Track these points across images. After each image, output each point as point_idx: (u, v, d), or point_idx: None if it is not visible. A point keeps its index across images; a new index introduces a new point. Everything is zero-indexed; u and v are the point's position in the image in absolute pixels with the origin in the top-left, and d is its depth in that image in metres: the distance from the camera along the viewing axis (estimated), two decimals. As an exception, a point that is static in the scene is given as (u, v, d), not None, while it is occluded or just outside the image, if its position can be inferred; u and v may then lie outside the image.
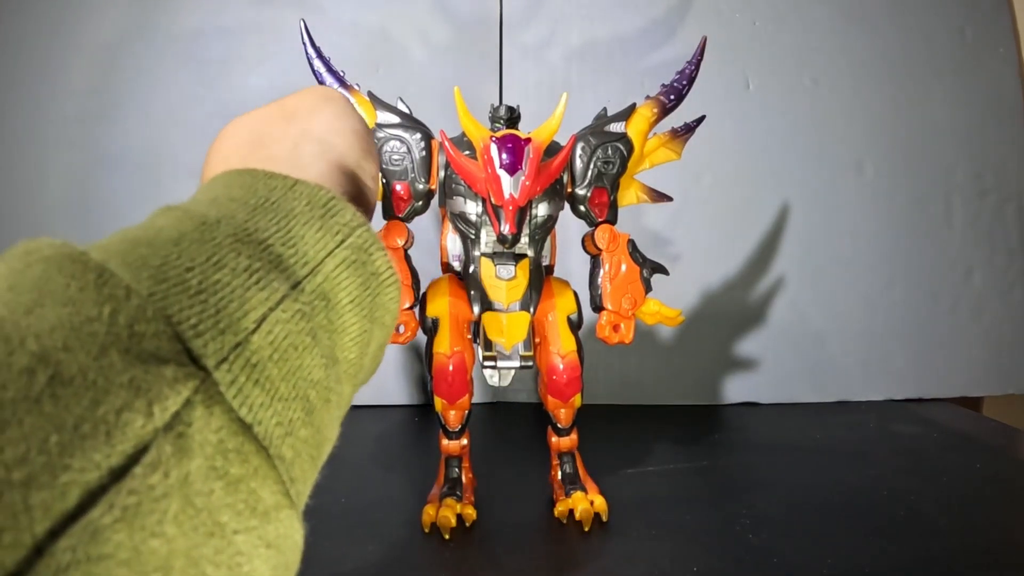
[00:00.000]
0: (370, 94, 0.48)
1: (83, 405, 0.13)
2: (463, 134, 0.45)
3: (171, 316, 0.16)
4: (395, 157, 0.47)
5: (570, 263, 0.59)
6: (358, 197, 0.26)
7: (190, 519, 0.14)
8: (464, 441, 0.49)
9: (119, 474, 0.13)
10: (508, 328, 0.45)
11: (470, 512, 0.47)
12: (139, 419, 0.14)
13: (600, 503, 0.47)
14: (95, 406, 0.13)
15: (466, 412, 0.48)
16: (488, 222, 0.45)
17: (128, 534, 0.13)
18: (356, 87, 0.48)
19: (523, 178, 0.40)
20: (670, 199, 0.52)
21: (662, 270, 0.50)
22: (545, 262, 0.50)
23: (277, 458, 0.17)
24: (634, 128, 0.49)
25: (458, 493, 0.48)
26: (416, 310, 0.47)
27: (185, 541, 0.14)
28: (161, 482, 0.14)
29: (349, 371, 0.21)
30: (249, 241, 0.19)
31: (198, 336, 0.16)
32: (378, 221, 0.48)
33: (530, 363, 0.45)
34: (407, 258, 0.47)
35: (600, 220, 0.49)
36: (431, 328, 0.46)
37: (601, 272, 0.49)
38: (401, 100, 0.48)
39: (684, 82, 0.50)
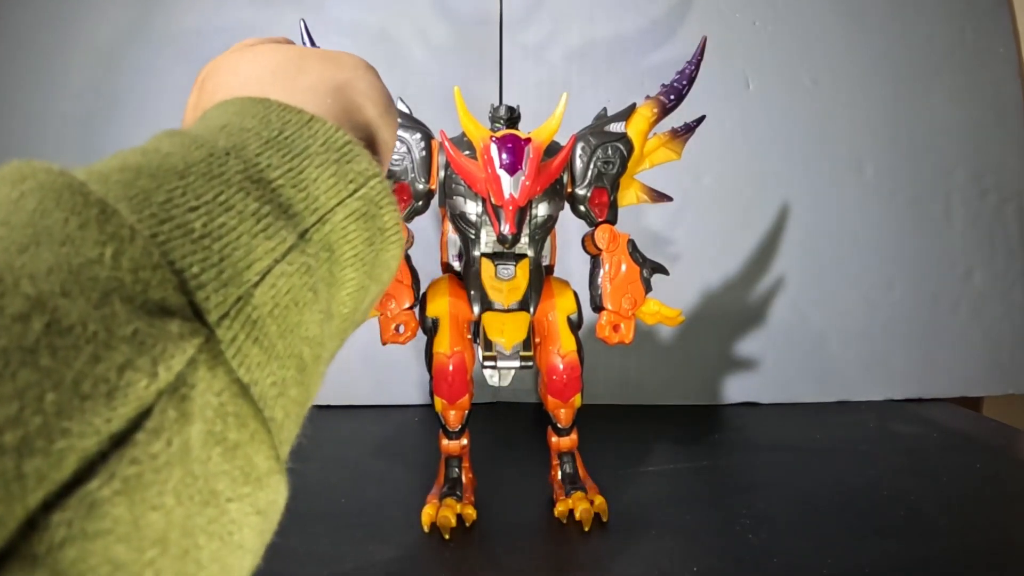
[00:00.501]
0: (370, 94, 0.48)
1: (82, 360, 0.12)
2: (463, 134, 0.45)
3: (175, 263, 0.14)
4: (395, 157, 0.47)
5: (570, 263, 0.59)
6: (374, 148, 0.25)
7: (187, 488, 0.13)
8: (464, 441, 0.49)
9: (119, 440, 0.12)
10: (508, 328, 0.45)
11: (470, 512, 0.47)
12: (143, 379, 0.12)
13: (600, 503, 0.47)
14: (95, 361, 0.12)
15: (466, 412, 0.48)
16: (488, 222, 0.45)
17: (128, 507, 0.12)
18: (356, 87, 0.48)
19: (523, 178, 0.40)
20: (670, 199, 0.52)
21: (662, 270, 0.50)
22: (545, 262, 0.50)
23: (270, 420, 0.16)
24: (634, 128, 0.49)
25: (458, 493, 0.48)
26: (416, 310, 0.47)
27: (182, 511, 0.13)
28: (164, 451, 0.12)
29: (342, 326, 0.20)
30: (259, 179, 0.17)
31: (201, 287, 0.14)
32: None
33: (530, 363, 0.45)
34: (407, 258, 0.47)
35: (600, 220, 0.49)
36: (431, 328, 0.46)
37: (601, 272, 0.49)
38: (401, 100, 0.48)
39: (684, 82, 0.50)
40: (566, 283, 0.50)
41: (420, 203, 0.48)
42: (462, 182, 0.44)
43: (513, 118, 0.47)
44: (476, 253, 0.47)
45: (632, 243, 0.49)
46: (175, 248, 0.14)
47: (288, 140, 0.19)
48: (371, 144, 0.24)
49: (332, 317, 0.19)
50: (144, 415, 0.12)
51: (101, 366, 0.12)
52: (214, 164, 0.17)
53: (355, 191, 0.19)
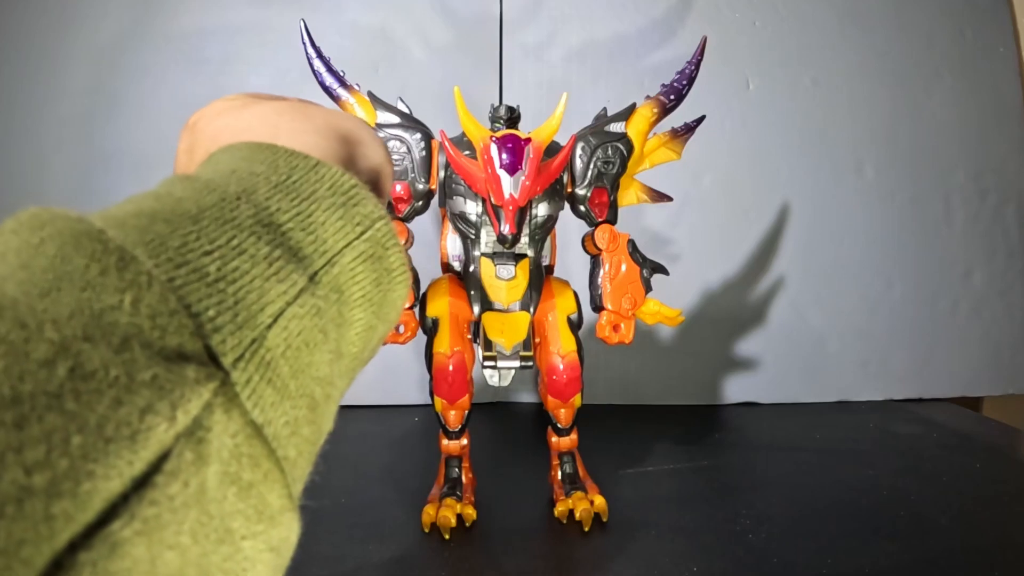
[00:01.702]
0: (370, 94, 0.48)
1: (105, 404, 0.12)
2: (463, 134, 0.45)
3: (191, 307, 0.15)
4: (395, 157, 0.47)
5: (570, 263, 0.59)
6: (376, 192, 0.25)
7: (203, 527, 0.13)
8: (464, 441, 0.49)
9: (141, 483, 0.12)
10: (508, 328, 0.45)
11: (470, 512, 0.47)
12: (163, 423, 0.13)
13: (600, 503, 0.47)
14: (117, 406, 0.12)
15: (466, 412, 0.48)
16: (488, 222, 0.45)
17: (147, 548, 0.12)
18: (356, 87, 0.48)
19: (523, 178, 0.40)
20: (670, 199, 0.52)
21: (662, 270, 0.50)
22: (545, 262, 0.50)
23: (283, 459, 0.16)
24: (634, 128, 0.49)
25: (458, 493, 0.48)
26: (416, 310, 0.47)
27: (198, 550, 0.13)
28: (181, 492, 0.13)
29: (351, 365, 0.20)
30: (269, 223, 0.18)
31: (217, 331, 0.15)
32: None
33: (530, 363, 0.45)
34: (407, 258, 0.47)
35: (600, 220, 0.49)
36: (431, 328, 0.46)
37: (601, 272, 0.49)
38: (401, 100, 0.48)
39: (684, 82, 0.50)
40: (566, 283, 0.50)
41: (420, 203, 0.48)
42: (462, 182, 0.44)
43: (513, 118, 0.47)
44: (476, 253, 0.47)
45: (632, 243, 0.49)
46: (191, 292, 0.15)
47: (296, 184, 0.19)
48: (375, 188, 0.25)
49: (342, 356, 0.19)
50: (163, 458, 0.13)
51: (123, 410, 0.12)
52: (226, 209, 0.17)
53: (362, 233, 0.20)
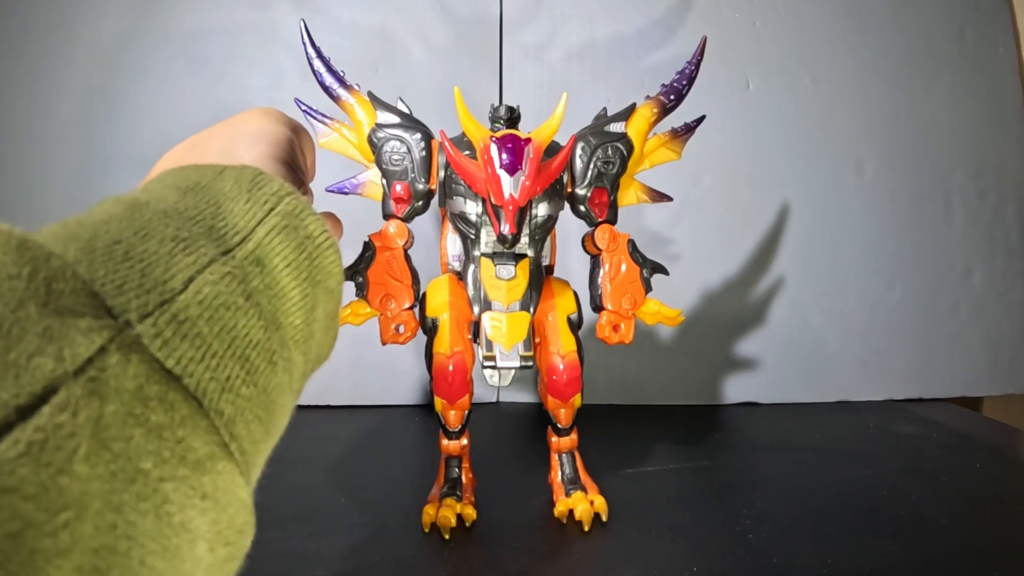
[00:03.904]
0: (370, 94, 0.48)
1: None
2: (463, 134, 0.45)
3: (94, 280, 0.16)
4: (395, 157, 0.47)
5: (570, 263, 0.59)
6: (296, 182, 0.28)
7: (106, 463, 0.14)
8: (464, 441, 0.49)
9: (26, 412, 0.13)
10: (508, 328, 0.45)
11: (470, 512, 0.47)
12: (49, 363, 0.14)
13: (600, 503, 0.47)
14: (6, 351, 0.14)
15: (466, 412, 0.48)
16: (488, 222, 0.45)
17: (33, 469, 0.13)
18: (356, 87, 0.48)
19: (523, 178, 0.40)
20: (670, 199, 0.52)
21: (662, 270, 0.50)
22: (545, 262, 0.50)
23: (214, 411, 0.17)
24: (634, 128, 0.49)
25: (458, 493, 0.48)
26: (416, 310, 0.47)
27: (101, 484, 0.14)
28: (69, 421, 0.14)
29: (296, 337, 0.22)
30: (178, 216, 0.20)
31: (120, 294, 0.17)
32: (379, 221, 0.48)
33: (530, 363, 0.45)
34: (407, 258, 0.47)
35: (600, 220, 0.49)
36: (431, 328, 0.46)
37: (601, 272, 0.49)
38: (401, 100, 0.48)
39: (684, 82, 0.50)
40: (566, 283, 0.50)
41: (420, 203, 0.48)
42: (462, 182, 0.44)
43: (513, 118, 0.47)
44: (476, 253, 0.47)
45: (632, 243, 0.49)
46: (96, 269, 0.17)
47: (204, 187, 0.21)
48: (286, 159, 0.28)
49: (281, 326, 0.21)
50: (51, 392, 0.14)
51: (11, 354, 0.14)
52: (135, 211, 0.19)
53: (271, 209, 0.22)
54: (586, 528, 0.46)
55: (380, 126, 0.47)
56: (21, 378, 0.14)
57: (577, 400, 0.47)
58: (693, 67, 0.50)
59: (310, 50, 0.48)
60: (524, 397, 0.79)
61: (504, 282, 0.45)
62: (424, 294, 0.48)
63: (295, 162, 0.30)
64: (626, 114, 0.49)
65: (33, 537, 0.13)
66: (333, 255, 0.24)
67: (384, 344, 0.47)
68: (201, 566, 0.17)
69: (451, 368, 0.45)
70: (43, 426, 0.13)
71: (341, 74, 0.48)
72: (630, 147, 0.49)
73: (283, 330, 0.21)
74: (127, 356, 0.16)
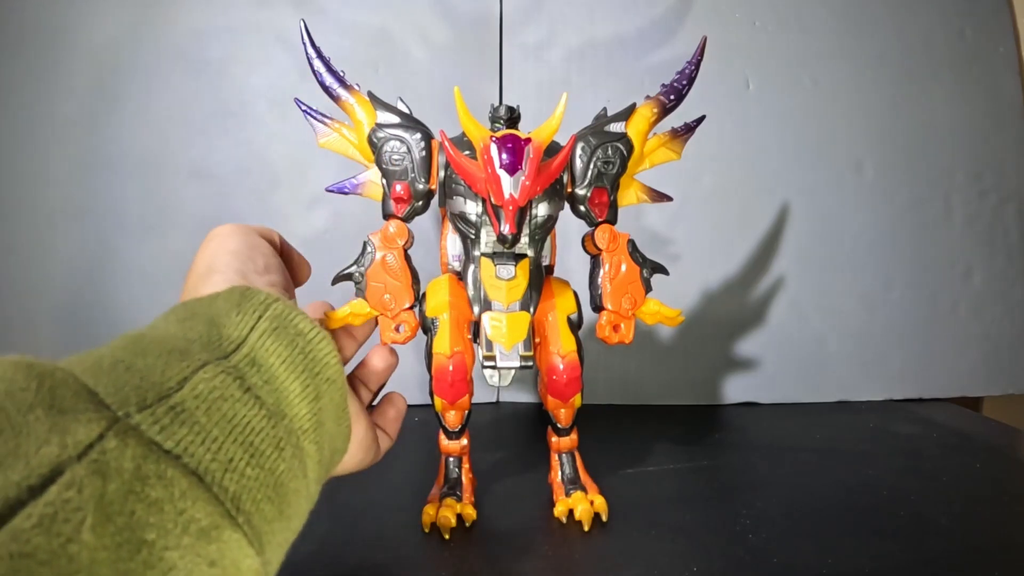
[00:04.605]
0: (370, 94, 0.48)
1: (9, 445, 0.16)
2: (463, 134, 0.45)
3: (95, 386, 0.19)
4: (395, 157, 0.47)
5: (570, 263, 0.59)
6: (282, 285, 0.31)
7: (111, 534, 0.16)
8: (464, 441, 0.49)
9: (37, 491, 0.16)
10: (508, 328, 0.45)
11: (470, 512, 0.47)
12: (55, 450, 0.16)
13: (600, 503, 0.47)
14: (18, 445, 0.16)
15: (466, 412, 0.48)
16: (488, 222, 0.45)
17: (46, 538, 0.15)
18: (356, 87, 0.48)
19: (523, 178, 0.40)
20: (670, 199, 0.52)
21: (662, 270, 0.50)
22: (545, 262, 0.50)
23: (217, 487, 0.19)
24: (634, 128, 0.49)
25: (458, 493, 0.48)
26: (416, 310, 0.47)
27: (108, 553, 0.16)
28: (75, 497, 0.16)
29: (304, 427, 0.24)
30: (176, 338, 0.22)
31: (118, 394, 0.19)
32: (379, 221, 0.48)
33: (530, 363, 0.45)
34: (407, 258, 0.47)
35: (600, 220, 0.49)
36: (431, 328, 0.46)
37: (601, 272, 0.49)
38: (401, 100, 0.48)
39: (684, 82, 0.50)
40: (566, 283, 0.50)
41: (420, 203, 0.48)
42: (462, 182, 0.44)
43: (513, 118, 0.47)
44: (476, 253, 0.47)
45: (632, 243, 0.49)
46: (99, 380, 0.19)
47: (198, 314, 0.24)
48: (263, 266, 0.32)
49: (285, 416, 0.23)
50: (58, 473, 0.16)
51: (23, 447, 0.16)
52: (137, 340, 0.22)
53: (260, 316, 0.24)
54: (586, 528, 0.46)
55: (380, 126, 0.47)
56: (31, 463, 0.16)
57: (577, 400, 0.47)
58: (693, 67, 0.50)
59: (310, 50, 0.48)
60: (524, 397, 0.79)
61: (504, 282, 0.45)
62: (424, 294, 0.48)
63: (275, 266, 0.33)
64: (626, 114, 0.49)
65: None
66: (327, 347, 0.26)
67: (384, 344, 0.47)
68: None
69: (451, 368, 0.45)
70: (52, 502, 0.15)
71: (341, 74, 0.48)
72: (630, 147, 0.49)
73: (288, 420, 0.23)
74: (124, 441, 0.18)
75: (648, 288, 0.49)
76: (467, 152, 0.43)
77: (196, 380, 0.21)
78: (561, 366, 0.46)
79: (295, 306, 0.26)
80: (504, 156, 0.41)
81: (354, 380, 0.41)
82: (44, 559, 0.15)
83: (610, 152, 0.48)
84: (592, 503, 0.47)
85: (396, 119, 0.47)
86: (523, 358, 0.45)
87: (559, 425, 0.49)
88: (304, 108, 0.49)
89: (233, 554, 0.19)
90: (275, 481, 0.21)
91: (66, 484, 0.16)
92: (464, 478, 0.49)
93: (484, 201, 0.43)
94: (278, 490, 0.21)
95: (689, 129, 0.51)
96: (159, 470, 0.18)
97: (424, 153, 0.47)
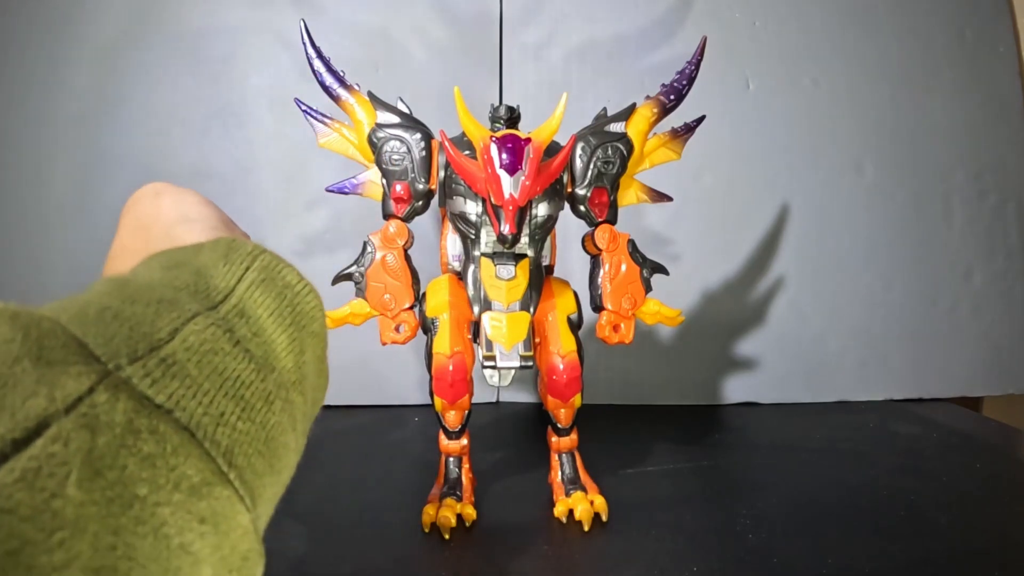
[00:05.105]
0: (370, 94, 0.48)
1: None
2: (463, 134, 0.45)
3: (83, 337, 0.18)
4: (395, 157, 0.47)
5: (570, 263, 0.59)
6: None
7: (101, 489, 0.16)
8: (464, 441, 0.49)
9: (21, 445, 0.15)
10: (508, 328, 0.45)
11: (470, 512, 0.47)
12: (42, 402, 0.16)
13: (600, 503, 0.47)
14: (3, 397, 0.16)
15: (466, 412, 0.48)
16: (488, 222, 0.45)
17: (28, 493, 0.15)
18: (356, 87, 0.48)
19: (523, 178, 0.40)
20: (670, 199, 0.52)
21: (662, 270, 0.50)
22: (545, 262, 0.50)
23: (209, 442, 0.19)
24: (634, 128, 0.49)
25: (458, 493, 0.48)
26: (416, 310, 0.47)
27: (97, 508, 0.16)
28: (61, 451, 0.15)
29: (290, 379, 0.24)
30: (163, 285, 0.22)
31: (108, 345, 0.18)
32: (379, 221, 0.48)
33: (530, 363, 0.45)
34: (407, 258, 0.47)
35: (600, 220, 0.49)
36: (431, 328, 0.46)
37: (601, 272, 0.49)
38: (401, 100, 0.48)
39: (684, 82, 0.50)
40: (566, 283, 0.50)
41: (420, 203, 0.48)
42: (462, 182, 0.44)
43: (513, 118, 0.47)
44: (476, 253, 0.47)
45: (632, 243, 0.49)
46: (86, 329, 0.19)
47: (184, 263, 0.24)
48: (228, 225, 0.31)
49: (274, 370, 0.23)
50: (44, 427, 0.16)
51: (8, 399, 0.16)
52: (124, 286, 0.21)
53: (248, 267, 0.24)
54: (586, 528, 0.46)
55: (380, 126, 0.47)
56: (16, 416, 0.15)
57: (577, 400, 0.47)
58: (693, 67, 0.50)
59: (310, 50, 0.48)
60: (524, 397, 0.79)
61: (504, 282, 0.45)
62: (424, 294, 0.48)
63: (234, 225, 0.33)
64: (626, 114, 0.49)
65: (30, 554, 0.14)
66: (313, 300, 0.25)
67: (384, 344, 0.47)
68: None
69: (451, 368, 0.45)
70: (36, 455, 0.15)
71: (341, 74, 0.48)
72: (630, 147, 0.49)
73: (277, 373, 0.23)
74: (116, 394, 0.17)
75: (648, 288, 0.49)
76: (467, 152, 0.44)
77: (187, 332, 0.20)
78: (561, 366, 0.46)
79: (282, 258, 0.25)
80: (504, 156, 0.41)
81: None
82: (26, 515, 0.14)
83: (610, 152, 0.48)
84: (592, 503, 0.47)
85: (396, 119, 0.47)
86: (523, 358, 0.45)
87: (559, 425, 0.49)
88: (304, 108, 0.49)
89: (224, 511, 0.19)
90: (266, 435, 0.21)
91: (52, 438, 0.16)
92: (464, 478, 0.49)
93: (484, 201, 0.43)
94: (269, 444, 0.21)
95: (689, 129, 0.51)
96: (151, 424, 0.18)
97: (424, 153, 0.47)
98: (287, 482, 0.24)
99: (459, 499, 0.48)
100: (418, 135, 0.47)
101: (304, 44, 0.48)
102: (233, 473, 0.19)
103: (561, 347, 0.46)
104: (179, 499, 0.17)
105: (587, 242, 0.49)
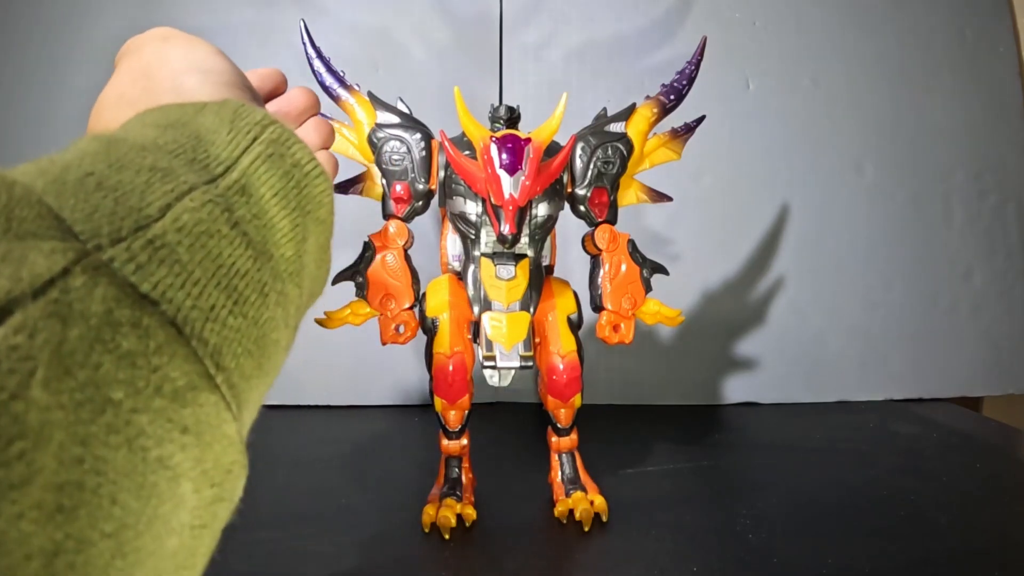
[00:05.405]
0: (370, 94, 0.48)
1: None
2: (463, 134, 0.45)
3: (61, 209, 0.16)
4: (395, 157, 0.47)
5: (570, 263, 0.59)
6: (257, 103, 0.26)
7: (70, 391, 0.14)
8: (464, 441, 0.49)
9: None
10: (508, 328, 0.45)
11: (470, 512, 0.47)
12: (5, 283, 0.13)
13: (600, 503, 0.47)
14: None
15: (466, 412, 0.48)
16: (488, 222, 0.45)
17: None
18: (356, 87, 0.48)
19: (523, 178, 0.40)
20: (670, 199, 0.52)
21: (662, 270, 0.50)
22: (545, 262, 0.50)
23: (196, 340, 0.16)
24: (634, 128, 0.49)
25: (458, 493, 0.48)
26: (416, 310, 0.47)
27: (64, 414, 0.13)
28: (25, 343, 0.13)
29: (288, 269, 0.21)
30: (157, 149, 0.19)
31: (89, 221, 0.16)
32: (379, 221, 0.48)
33: (530, 363, 0.45)
34: (407, 258, 0.47)
35: (600, 220, 0.49)
36: (431, 328, 0.46)
37: (601, 272, 0.49)
38: (401, 100, 0.48)
39: (684, 82, 0.50)
40: (566, 283, 0.50)
41: (420, 203, 0.48)
42: (462, 182, 0.44)
43: (513, 118, 0.47)
44: (476, 253, 0.47)
45: (632, 243, 0.49)
46: (65, 199, 0.16)
47: (184, 123, 0.21)
48: (241, 84, 0.27)
49: (272, 257, 0.20)
50: (7, 313, 0.13)
51: None
52: (112, 146, 0.18)
53: (256, 138, 0.21)
54: (586, 528, 0.46)
55: (380, 126, 0.47)
56: None
57: (577, 400, 0.47)
58: (693, 67, 0.50)
59: (310, 50, 0.48)
60: (524, 397, 0.79)
61: (504, 282, 0.45)
62: (424, 294, 0.48)
63: (252, 86, 0.28)
64: (626, 114, 0.49)
65: None
66: (323, 183, 0.23)
67: (384, 344, 0.47)
68: (185, 508, 0.16)
69: (451, 368, 0.45)
70: None
71: (341, 74, 0.48)
72: (630, 147, 0.49)
73: (274, 262, 0.20)
74: (94, 279, 0.15)
75: (648, 288, 0.49)
76: (467, 152, 0.44)
77: (180, 208, 0.17)
78: (561, 366, 0.46)
79: (293, 132, 0.22)
80: (504, 156, 0.41)
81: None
82: None
83: (610, 152, 0.48)
84: (592, 503, 0.47)
85: (396, 119, 0.47)
86: (523, 358, 0.45)
87: (559, 425, 0.49)
88: (304, 108, 0.49)
89: (209, 419, 0.17)
90: (258, 333, 0.19)
91: (15, 327, 0.13)
92: (464, 478, 0.49)
93: (484, 201, 0.43)
94: (259, 342, 0.19)
95: (689, 129, 0.51)
96: (133, 317, 0.15)
97: (424, 153, 0.47)
98: (272, 383, 0.21)
99: (459, 499, 0.48)
100: (418, 135, 0.47)
101: (304, 44, 0.48)
102: (221, 376, 0.17)
103: (561, 347, 0.46)
104: (159, 405, 0.15)
105: (587, 242, 0.49)
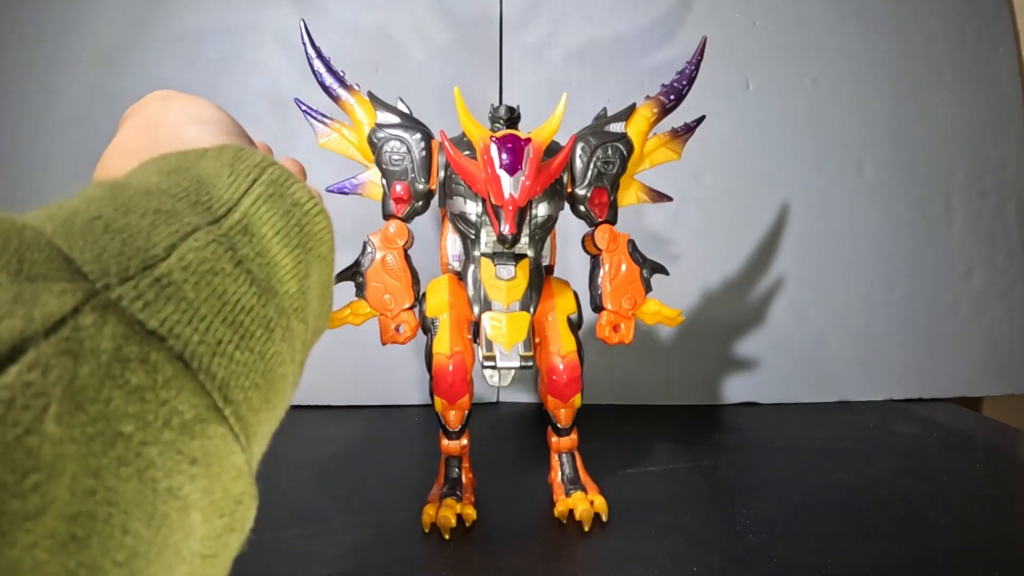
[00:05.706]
0: (370, 94, 0.48)
1: None
2: (463, 134, 0.45)
3: (70, 250, 0.16)
4: (395, 157, 0.47)
5: (570, 263, 0.59)
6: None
7: (82, 425, 0.14)
8: (464, 441, 0.49)
9: None
10: (508, 328, 0.45)
11: (470, 512, 0.47)
12: (19, 324, 0.14)
13: (600, 503, 0.47)
14: None
15: (466, 412, 0.48)
16: (488, 222, 0.45)
17: (0, 428, 0.13)
18: (356, 87, 0.48)
19: (523, 178, 0.40)
20: (670, 199, 0.52)
21: (662, 270, 0.50)
22: (545, 262, 0.50)
23: (204, 374, 0.17)
24: (634, 128, 0.49)
25: (458, 493, 0.48)
26: (416, 310, 0.47)
27: (76, 447, 0.14)
28: (39, 380, 0.14)
29: (293, 305, 0.22)
30: (161, 193, 0.20)
31: (98, 261, 0.16)
32: (379, 221, 0.48)
33: (530, 363, 0.45)
34: (407, 258, 0.47)
35: (600, 220, 0.49)
36: (431, 328, 0.46)
37: (601, 272, 0.49)
38: (401, 100, 0.48)
39: (684, 82, 0.50)
40: (566, 283, 0.50)
41: (420, 203, 0.48)
42: (462, 182, 0.44)
43: (513, 118, 0.47)
44: (476, 253, 0.47)
45: (632, 243, 0.49)
46: (74, 241, 0.17)
47: (186, 168, 0.21)
48: (239, 133, 0.29)
49: (276, 294, 0.21)
50: (20, 352, 0.14)
51: None
52: (117, 191, 0.19)
53: (255, 180, 0.22)
54: (586, 528, 0.46)
55: (380, 126, 0.47)
56: None
57: (577, 400, 0.47)
58: (693, 67, 0.50)
59: (310, 50, 0.48)
60: (524, 397, 0.79)
61: (504, 282, 0.45)
62: (424, 294, 0.48)
63: (248, 135, 0.30)
64: (626, 114, 0.49)
65: (0, 499, 0.12)
66: (323, 221, 0.23)
67: (384, 344, 0.47)
68: (195, 537, 0.17)
69: (451, 368, 0.45)
70: (10, 385, 0.13)
71: (341, 74, 0.48)
72: (630, 147, 0.49)
73: (279, 298, 0.21)
74: (103, 317, 0.15)
75: (648, 288, 0.49)
76: (467, 152, 0.44)
77: (185, 248, 0.18)
78: (561, 366, 0.46)
79: (291, 173, 0.23)
80: (504, 156, 0.41)
81: None
82: None
83: (610, 152, 0.48)
84: (592, 503, 0.47)
85: (396, 119, 0.47)
86: (523, 358, 0.45)
87: (559, 425, 0.49)
88: (304, 108, 0.49)
89: (217, 451, 0.17)
90: (264, 366, 0.19)
91: (29, 365, 0.13)
92: (464, 478, 0.49)
93: (484, 201, 0.43)
94: (267, 376, 0.19)
95: (689, 129, 0.51)
96: (142, 353, 0.16)
97: (424, 153, 0.47)
98: (281, 417, 0.21)
99: (459, 499, 0.48)
100: (418, 135, 0.47)
101: (304, 44, 0.48)
102: (228, 409, 0.17)
103: (561, 347, 0.46)
104: (168, 438, 0.16)
105: (587, 242, 0.49)
